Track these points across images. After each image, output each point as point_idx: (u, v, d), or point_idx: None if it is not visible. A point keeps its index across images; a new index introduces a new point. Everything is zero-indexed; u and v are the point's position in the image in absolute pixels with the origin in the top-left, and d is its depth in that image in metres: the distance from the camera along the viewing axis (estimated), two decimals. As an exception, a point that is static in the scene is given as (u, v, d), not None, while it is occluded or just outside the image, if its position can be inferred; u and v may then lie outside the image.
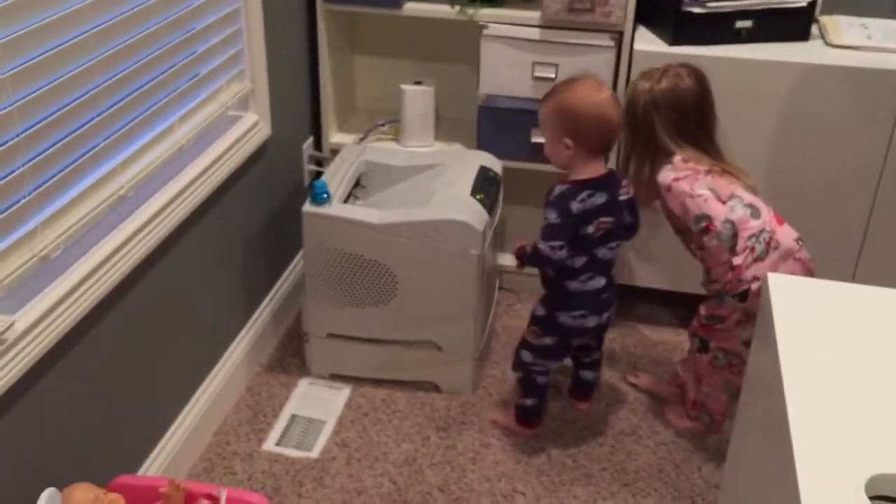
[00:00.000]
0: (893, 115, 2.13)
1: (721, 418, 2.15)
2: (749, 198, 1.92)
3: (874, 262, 2.30)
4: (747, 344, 1.98)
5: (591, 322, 2.00)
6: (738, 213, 1.89)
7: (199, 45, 1.87)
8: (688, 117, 1.95)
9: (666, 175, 1.94)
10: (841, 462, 1.02)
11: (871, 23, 2.30)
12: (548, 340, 2.03)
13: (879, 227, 2.26)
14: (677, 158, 1.94)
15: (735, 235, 1.88)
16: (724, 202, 1.90)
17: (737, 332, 2.00)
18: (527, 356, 2.07)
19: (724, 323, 1.99)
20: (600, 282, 1.97)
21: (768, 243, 1.92)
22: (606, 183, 1.92)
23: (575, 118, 1.87)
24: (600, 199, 1.90)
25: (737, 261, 1.88)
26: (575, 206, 1.88)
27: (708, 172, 1.93)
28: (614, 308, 2.05)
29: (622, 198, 1.95)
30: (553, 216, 1.90)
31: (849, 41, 2.22)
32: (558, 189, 1.91)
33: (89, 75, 1.50)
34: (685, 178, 1.92)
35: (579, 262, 1.94)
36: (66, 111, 1.45)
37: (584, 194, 1.89)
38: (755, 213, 1.91)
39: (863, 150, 2.19)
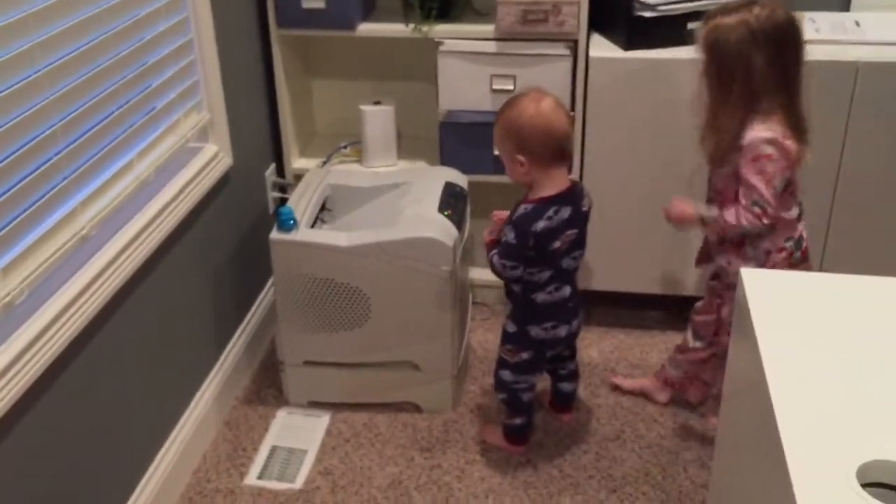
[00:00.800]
0: (847, 105, 2.17)
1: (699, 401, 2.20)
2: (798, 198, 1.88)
3: (840, 251, 2.33)
4: None
5: (563, 332, 1.99)
6: (792, 212, 1.87)
7: (154, 78, 1.85)
8: (789, 56, 1.75)
9: (761, 138, 1.74)
10: (831, 451, 1.02)
11: (818, 16, 2.34)
12: (524, 356, 2.01)
13: (841, 216, 2.30)
14: (772, 133, 1.75)
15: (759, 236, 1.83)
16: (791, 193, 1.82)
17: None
18: (507, 375, 2.05)
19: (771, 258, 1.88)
20: (566, 291, 1.96)
21: (804, 252, 1.91)
22: (571, 196, 1.90)
23: (520, 133, 1.85)
24: (566, 213, 1.88)
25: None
26: (541, 224, 1.86)
27: (788, 166, 1.78)
28: (581, 315, 2.05)
29: (584, 209, 1.94)
30: (511, 236, 1.88)
31: (798, 36, 2.25)
32: (522, 209, 1.89)
33: (44, 115, 1.47)
34: (776, 160, 1.76)
35: (545, 275, 1.93)
36: (23, 152, 1.42)
37: (550, 212, 1.87)
38: (800, 215, 1.90)
39: (820, 142, 2.20)
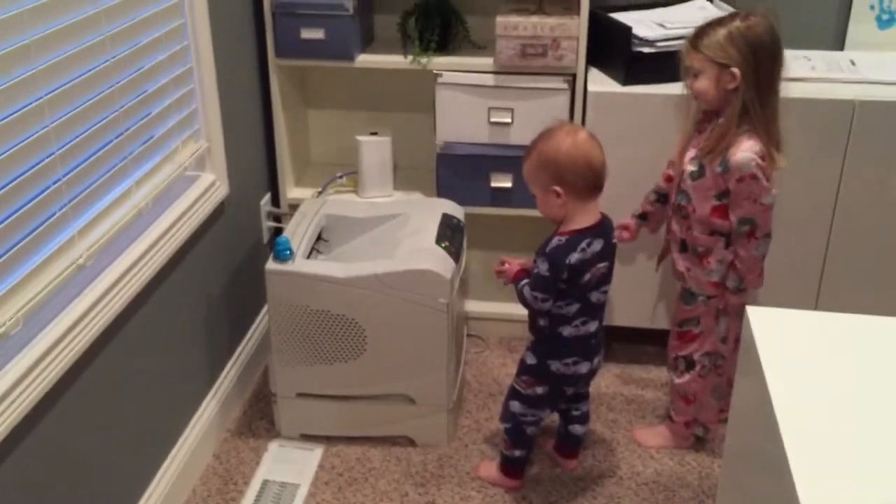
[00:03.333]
0: (844, 143, 2.18)
1: (714, 426, 2.19)
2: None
3: (835, 288, 2.33)
4: (724, 340, 2.01)
5: (584, 368, 1.96)
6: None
7: (153, 106, 1.83)
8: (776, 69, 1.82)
9: (744, 162, 1.82)
10: (846, 495, 1.01)
11: (813, 55, 2.37)
12: (539, 390, 1.98)
13: (837, 254, 2.30)
14: (758, 148, 1.82)
15: (767, 250, 1.92)
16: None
17: (715, 331, 2.03)
18: (517, 407, 2.01)
19: (700, 324, 2.03)
20: (592, 326, 1.94)
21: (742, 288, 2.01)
22: (602, 229, 1.88)
23: (557, 165, 1.82)
24: (598, 245, 1.86)
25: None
26: (574, 257, 1.83)
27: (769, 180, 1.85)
28: (602, 352, 2.02)
29: (614, 241, 1.92)
30: (544, 268, 1.85)
31: (794, 73, 2.26)
32: (555, 241, 1.85)
33: (43, 142, 1.45)
34: (761, 179, 1.83)
35: (573, 308, 1.90)
36: (21, 180, 1.40)
37: (583, 244, 1.84)
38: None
39: (816, 180, 2.24)
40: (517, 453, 2.07)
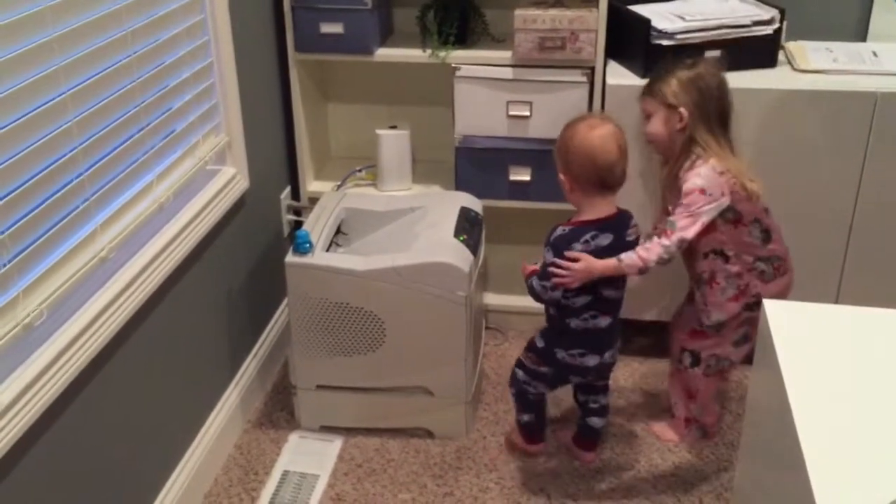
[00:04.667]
0: (865, 135, 2.16)
1: (714, 429, 2.18)
2: (767, 221, 1.95)
3: (857, 283, 2.31)
4: (736, 344, 2.01)
5: (591, 361, 1.97)
6: (754, 236, 1.94)
7: (175, 101, 1.85)
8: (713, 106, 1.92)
9: (696, 179, 1.88)
10: (860, 489, 1.00)
11: (835, 46, 2.34)
12: (543, 369, 2.04)
13: (859, 247, 2.28)
14: (715, 166, 1.88)
15: (670, 259, 1.90)
16: (745, 225, 1.92)
17: (730, 337, 2.03)
18: (520, 374, 2.08)
19: (720, 330, 2.02)
20: (604, 321, 1.95)
21: (777, 268, 1.97)
22: (613, 224, 1.89)
23: (566, 155, 1.88)
24: (605, 240, 1.88)
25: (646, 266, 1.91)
26: (578, 248, 1.87)
27: (733, 189, 1.89)
28: (617, 346, 2.02)
29: (629, 238, 1.92)
30: (549, 257, 1.89)
31: (816, 65, 2.26)
32: (559, 230, 1.90)
33: (66, 137, 1.48)
34: (709, 195, 1.87)
35: (581, 300, 1.92)
36: (44, 175, 1.42)
37: (587, 236, 1.87)
38: (767, 238, 1.95)
39: (838, 172, 2.22)
40: (525, 417, 2.13)
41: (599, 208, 1.89)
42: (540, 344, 2.02)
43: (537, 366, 2.03)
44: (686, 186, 1.89)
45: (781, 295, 1.95)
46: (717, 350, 2.05)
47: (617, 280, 1.93)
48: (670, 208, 1.97)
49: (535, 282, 1.93)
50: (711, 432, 2.19)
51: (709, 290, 2.00)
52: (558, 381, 2.07)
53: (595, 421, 2.12)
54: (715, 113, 1.92)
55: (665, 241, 1.87)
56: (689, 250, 2.00)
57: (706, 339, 2.06)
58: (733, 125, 1.96)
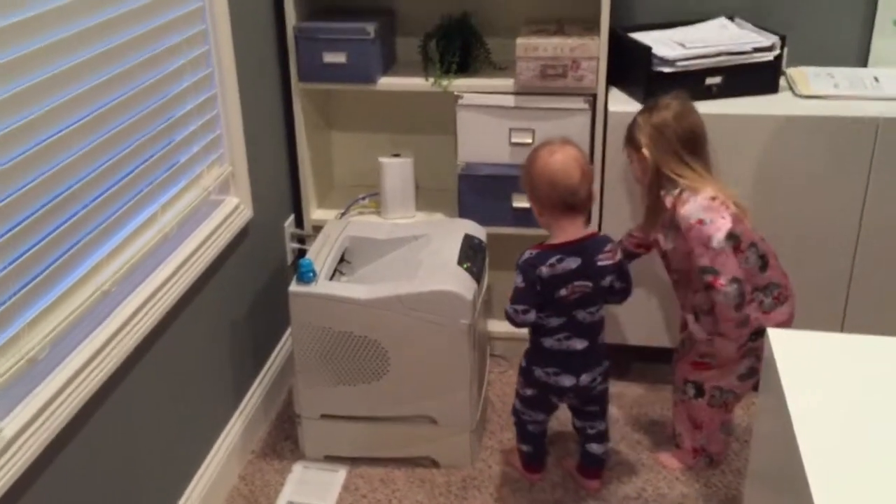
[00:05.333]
0: (868, 161, 2.16)
1: (721, 457, 2.17)
2: (763, 246, 1.95)
3: (861, 309, 2.30)
4: (741, 378, 2.00)
5: (567, 381, 1.99)
6: (751, 263, 1.92)
7: (178, 132, 1.87)
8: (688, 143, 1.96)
9: (690, 212, 1.90)
10: (867, 521, 1.00)
11: (836, 72, 2.35)
12: (528, 391, 2.07)
13: (863, 274, 2.27)
14: (705, 195, 1.90)
15: (742, 294, 1.88)
16: (742, 251, 1.90)
17: (734, 368, 2.01)
18: (517, 404, 2.12)
19: (718, 359, 2.01)
20: (579, 344, 1.98)
21: (777, 297, 1.95)
22: (581, 247, 1.93)
23: (531, 180, 1.95)
24: (572, 263, 1.92)
25: (748, 312, 1.91)
26: (544, 270, 1.91)
27: (732, 214, 1.90)
28: (599, 370, 2.02)
29: (602, 263, 1.94)
30: (518, 280, 1.95)
31: (817, 91, 2.26)
32: (527, 254, 1.95)
33: (70, 171, 1.48)
34: (710, 222, 1.88)
35: (554, 322, 1.96)
36: (48, 209, 1.43)
37: (553, 259, 1.91)
38: (764, 265, 1.94)
39: (840, 199, 2.22)
40: (524, 447, 2.15)
41: (568, 231, 1.94)
42: (523, 363, 2.07)
43: (524, 390, 2.07)
44: (683, 225, 1.91)
45: (785, 325, 1.94)
46: (721, 382, 2.04)
47: (590, 303, 1.95)
48: (660, 238, 2.01)
49: (508, 307, 1.97)
50: (718, 461, 2.17)
51: (712, 319, 1.97)
52: (544, 404, 2.08)
53: (594, 447, 2.11)
54: (680, 143, 1.94)
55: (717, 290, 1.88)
56: (683, 281, 2.02)
57: (708, 371, 2.04)
58: (712, 152, 2.00)
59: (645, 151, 1.97)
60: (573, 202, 1.91)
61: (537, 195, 1.94)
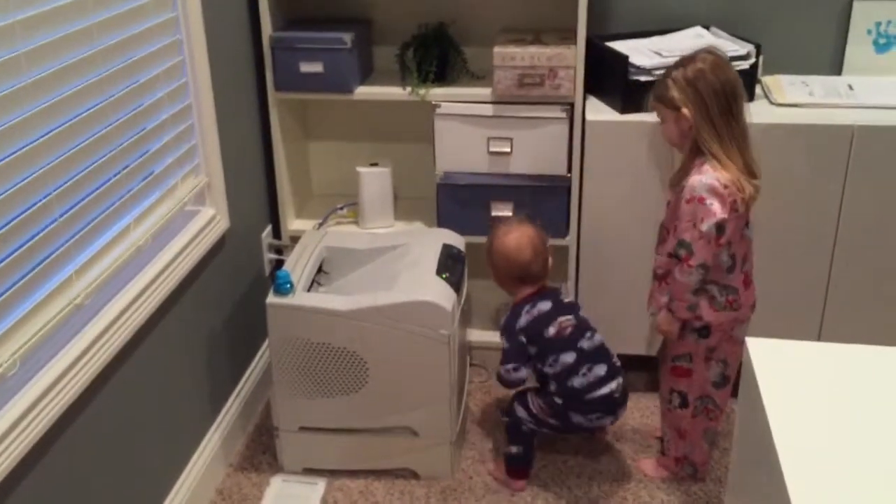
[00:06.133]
0: (844, 168, 2.18)
1: (704, 468, 2.17)
2: (740, 252, 1.94)
3: (839, 316, 2.31)
4: (716, 385, 2.00)
5: (607, 421, 2.11)
6: (722, 260, 1.92)
7: (153, 143, 1.84)
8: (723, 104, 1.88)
9: (696, 186, 1.86)
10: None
11: (811, 80, 2.37)
12: (552, 421, 2.10)
13: (840, 282, 2.28)
14: (722, 177, 1.86)
15: (702, 282, 1.91)
16: (719, 245, 1.89)
17: (706, 374, 2.03)
18: (521, 413, 2.12)
19: (692, 361, 2.02)
20: (601, 369, 2.03)
21: (730, 302, 1.96)
22: (545, 294, 2.10)
23: (490, 257, 2.14)
24: (545, 305, 2.07)
25: (693, 300, 1.94)
26: (523, 319, 2.06)
27: (733, 206, 1.87)
28: (626, 402, 2.10)
29: (566, 300, 2.12)
30: (504, 342, 2.08)
31: (792, 99, 2.28)
32: (505, 317, 2.10)
33: (40, 183, 1.46)
34: (709, 205, 1.85)
35: (569, 358, 2.03)
36: (18, 221, 1.40)
37: (526, 307, 2.07)
38: (732, 267, 1.94)
39: (817, 206, 2.23)
40: (513, 450, 2.15)
41: (533, 287, 2.11)
42: (559, 400, 2.07)
43: (547, 418, 2.09)
44: (687, 193, 1.88)
45: (726, 327, 1.97)
46: (697, 392, 2.06)
47: (585, 330, 2.07)
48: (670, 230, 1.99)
49: (500, 370, 2.08)
50: (702, 471, 2.17)
51: (657, 285, 2.02)
52: (561, 433, 2.19)
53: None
54: (718, 108, 1.87)
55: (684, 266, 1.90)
56: (663, 237, 2.03)
57: (687, 377, 2.05)
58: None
59: (685, 112, 1.88)
60: (525, 276, 2.09)
61: (496, 268, 2.13)
